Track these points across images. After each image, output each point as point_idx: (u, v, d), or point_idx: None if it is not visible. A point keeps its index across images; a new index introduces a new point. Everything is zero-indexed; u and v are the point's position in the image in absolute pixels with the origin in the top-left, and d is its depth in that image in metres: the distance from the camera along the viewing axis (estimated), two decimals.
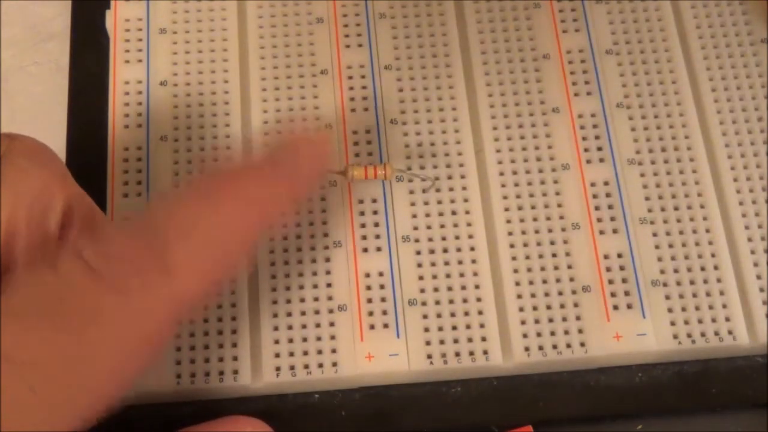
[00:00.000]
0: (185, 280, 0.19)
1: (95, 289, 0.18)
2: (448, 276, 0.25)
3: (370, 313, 0.25)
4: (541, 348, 0.25)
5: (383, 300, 0.25)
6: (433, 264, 0.26)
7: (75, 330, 0.18)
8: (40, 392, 0.17)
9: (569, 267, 0.26)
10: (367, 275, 0.25)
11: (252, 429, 0.20)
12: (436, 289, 0.25)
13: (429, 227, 0.26)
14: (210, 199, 0.21)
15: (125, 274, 0.19)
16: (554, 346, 0.25)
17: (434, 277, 0.25)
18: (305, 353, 0.25)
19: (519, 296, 0.25)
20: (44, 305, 0.18)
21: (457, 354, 0.25)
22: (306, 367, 0.24)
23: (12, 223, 0.20)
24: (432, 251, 0.26)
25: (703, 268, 0.26)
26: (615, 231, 0.26)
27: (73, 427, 0.18)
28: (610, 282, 0.26)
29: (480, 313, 0.25)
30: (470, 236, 0.26)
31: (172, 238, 0.19)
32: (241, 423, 0.20)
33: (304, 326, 0.25)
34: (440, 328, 0.25)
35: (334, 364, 0.24)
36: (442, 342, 0.25)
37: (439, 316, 0.25)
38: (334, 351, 0.25)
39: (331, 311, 0.25)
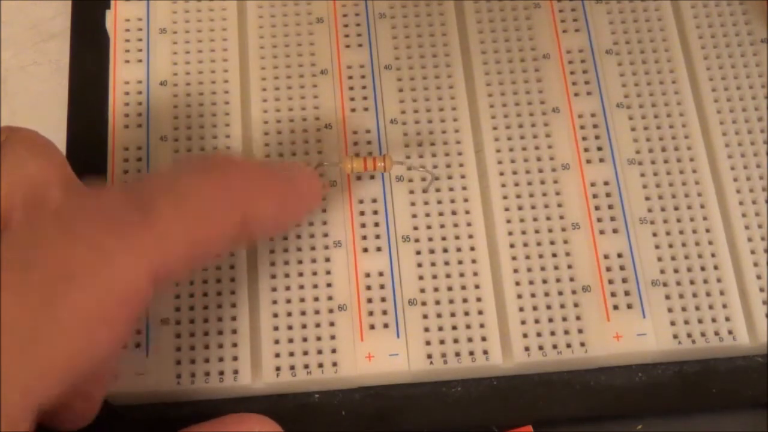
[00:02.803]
0: (168, 241, 0.19)
1: (65, 241, 0.18)
2: (448, 276, 0.25)
3: (370, 313, 0.25)
4: (541, 348, 0.25)
5: (383, 300, 0.25)
6: (433, 264, 0.26)
7: (43, 285, 0.17)
8: (13, 353, 0.17)
9: (569, 267, 0.26)
10: (367, 275, 0.25)
11: (261, 427, 0.20)
12: (436, 289, 0.25)
13: (429, 227, 0.26)
14: (203, 171, 0.21)
15: (102, 228, 0.18)
16: (554, 346, 0.25)
17: (434, 277, 0.25)
18: (305, 353, 0.25)
19: (519, 296, 0.25)
20: (13, 259, 0.17)
21: (457, 354, 0.25)
22: (306, 367, 0.24)
23: (8, 209, 0.20)
24: (432, 251, 0.26)
25: (703, 268, 0.26)
26: (615, 231, 0.26)
27: (50, 394, 0.17)
28: (610, 282, 0.26)
29: (480, 313, 0.25)
30: (470, 236, 0.26)
31: (159, 194, 0.19)
32: (248, 420, 0.20)
33: (304, 326, 0.25)
34: (440, 328, 0.25)
35: (334, 364, 0.24)
36: (442, 342, 0.25)
37: (439, 316, 0.25)
38: (334, 351, 0.25)
39: (331, 311, 0.25)
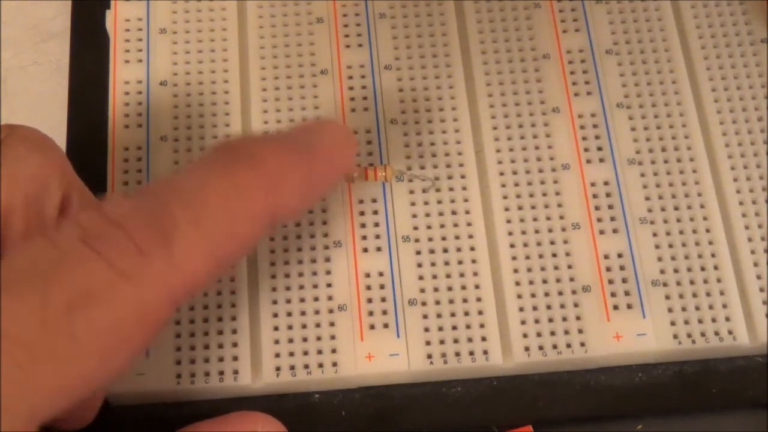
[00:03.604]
0: (190, 264, 0.18)
1: (86, 260, 0.17)
2: (448, 276, 0.25)
3: (370, 313, 0.25)
4: (541, 348, 0.25)
5: (383, 300, 0.25)
6: (433, 264, 0.26)
7: (63, 302, 0.17)
8: (27, 370, 0.16)
9: (569, 267, 0.26)
10: (367, 275, 0.25)
11: (264, 425, 0.20)
12: (436, 289, 0.25)
13: (429, 227, 0.26)
14: (224, 168, 0.20)
15: (126, 251, 0.18)
16: (554, 346, 0.25)
17: (434, 277, 0.25)
18: (305, 353, 0.25)
19: (519, 296, 0.25)
20: (35, 274, 0.17)
21: (457, 354, 0.25)
22: (306, 367, 0.24)
23: (8, 207, 0.20)
24: (432, 251, 0.26)
25: (703, 268, 0.26)
26: (615, 231, 0.26)
27: (55, 412, 0.17)
28: (610, 282, 0.26)
29: (480, 313, 0.25)
30: (470, 236, 0.26)
31: (180, 214, 0.18)
32: (251, 419, 0.20)
33: (304, 326, 0.25)
34: (440, 328, 0.25)
35: (334, 364, 0.24)
36: (442, 342, 0.25)
37: (439, 316, 0.25)
38: (334, 351, 0.25)
39: (331, 311, 0.25)
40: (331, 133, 0.22)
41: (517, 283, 0.26)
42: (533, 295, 0.25)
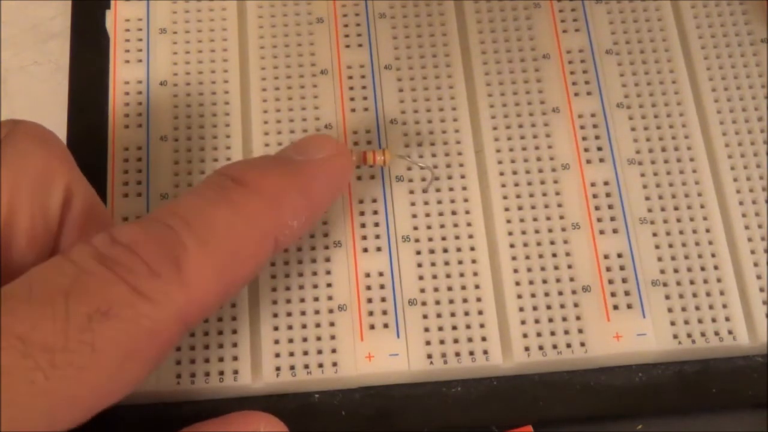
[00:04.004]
0: (199, 286, 0.19)
1: (109, 277, 0.18)
2: (448, 276, 0.25)
3: (370, 313, 0.25)
4: (541, 348, 0.25)
5: (383, 300, 0.25)
6: (433, 264, 0.26)
7: (86, 316, 0.18)
8: (48, 373, 0.17)
9: (569, 267, 0.26)
10: (367, 275, 0.25)
11: (265, 425, 0.20)
12: (436, 289, 0.25)
13: (429, 227, 0.26)
14: (223, 195, 0.21)
15: (140, 272, 0.19)
16: (554, 346, 0.25)
17: (434, 277, 0.25)
18: (305, 353, 0.25)
19: (519, 296, 0.25)
20: (57, 286, 0.18)
21: (457, 354, 0.25)
22: (306, 367, 0.24)
23: (14, 202, 0.20)
24: (432, 251, 0.26)
25: (703, 268, 0.26)
26: (615, 231, 0.26)
27: (73, 422, 0.18)
28: (610, 282, 0.26)
29: (480, 313, 0.25)
30: (470, 236, 0.26)
31: (190, 243, 0.20)
32: (253, 418, 0.20)
33: (304, 326, 0.25)
34: (440, 328, 0.25)
35: (334, 364, 0.24)
36: (442, 342, 0.25)
37: (439, 316, 0.25)
38: (334, 351, 0.25)
39: (331, 311, 0.25)
40: (320, 146, 0.23)
41: (517, 283, 0.26)
42: (533, 295, 0.25)
